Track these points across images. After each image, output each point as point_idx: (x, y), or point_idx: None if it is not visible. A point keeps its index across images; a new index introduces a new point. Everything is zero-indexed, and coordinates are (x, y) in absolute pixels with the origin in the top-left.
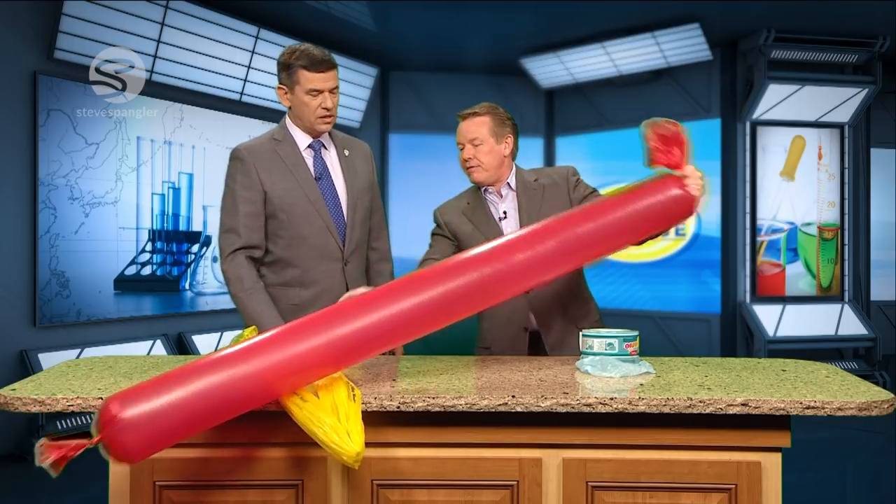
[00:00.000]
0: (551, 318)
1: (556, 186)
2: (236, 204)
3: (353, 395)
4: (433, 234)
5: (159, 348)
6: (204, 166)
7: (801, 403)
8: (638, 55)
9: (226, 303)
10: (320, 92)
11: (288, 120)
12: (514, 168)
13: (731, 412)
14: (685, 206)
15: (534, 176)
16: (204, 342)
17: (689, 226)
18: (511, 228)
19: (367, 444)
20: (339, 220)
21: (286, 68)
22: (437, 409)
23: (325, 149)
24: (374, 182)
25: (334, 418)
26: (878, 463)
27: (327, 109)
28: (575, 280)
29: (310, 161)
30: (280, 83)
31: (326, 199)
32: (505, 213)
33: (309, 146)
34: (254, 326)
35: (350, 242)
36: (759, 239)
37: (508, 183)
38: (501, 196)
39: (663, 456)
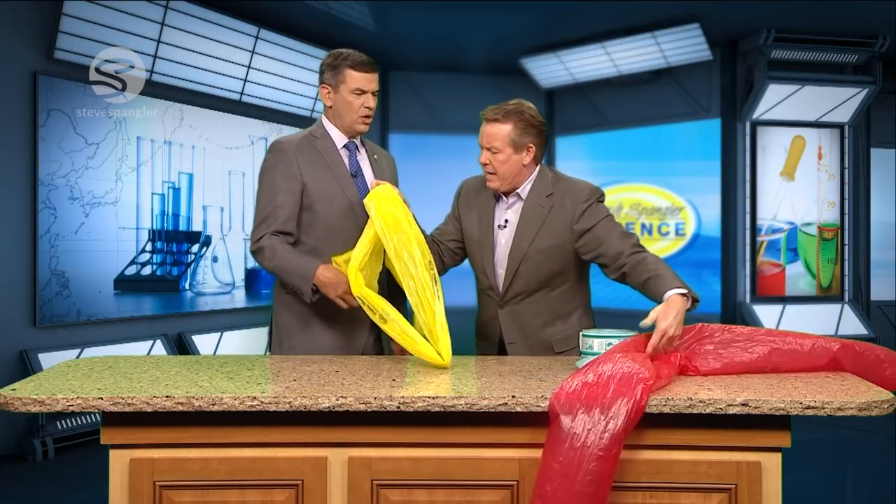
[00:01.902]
0: (519, 333)
1: (563, 210)
2: (276, 193)
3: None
4: (451, 210)
5: (159, 348)
6: (204, 166)
7: (801, 403)
8: (638, 55)
9: (226, 303)
10: (364, 92)
11: (325, 119)
12: (536, 172)
13: (731, 412)
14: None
15: (550, 190)
16: (204, 342)
17: (689, 226)
18: (505, 240)
19: (367, 444)
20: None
21: (332, 68)
22: (437, 409)
23: (359, 150)
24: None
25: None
26: (878, 463)
27: (369, 109)
28: (558, 301)
29: (346, 159)
30: (324, 82)
31: (361, 196)
32: (506, 222)
33: (345, 146)
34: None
35: None
36: (759, 239)
37: (519, 193)
38: (508, 204)
39: (663, 456)
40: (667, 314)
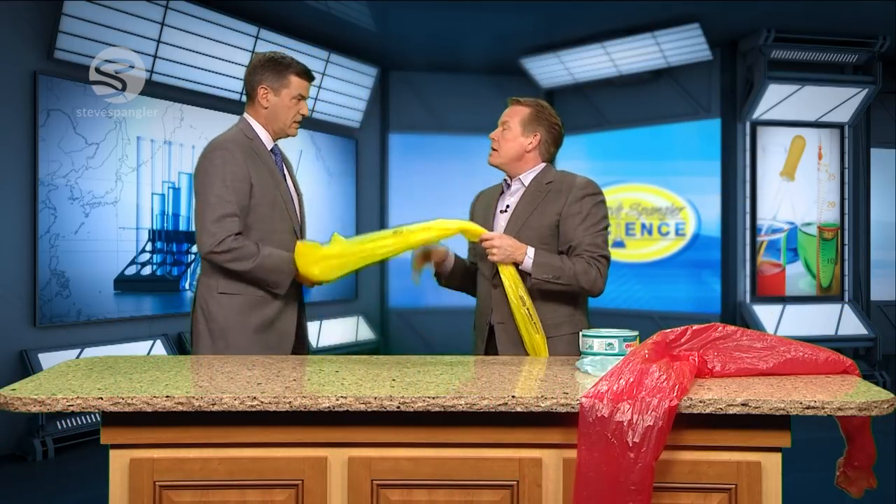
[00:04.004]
0: (509, 315)
1: (559, 194)
2: (230, 192)
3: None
4: None
5: (159, 348)
6: None
7: (801, 403)
8: (638, 55)
9: None
10: (303, 98)
11: (252, 121)
12: (542, 167)
13: (731, 412)
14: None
15: (552, 178)
16: None
17: (689, 226)
18: (503, 223)
19: (367, 444)
20: (296, 220)
21: (275, 71)
22: (437, 409)
23: (280, 154)
24: None
25: None
26: (879, 463)
27: (304, 115)
28: (559, 293)
29: (276, 163)
30: (263, 83)
31: (292, 201)
32: (507, 207)
33: (272, 150)
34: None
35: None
36: (759, 239)
37: (521, 179)
38: (511, 191)
39: (663, 456)
40: (507, 238)
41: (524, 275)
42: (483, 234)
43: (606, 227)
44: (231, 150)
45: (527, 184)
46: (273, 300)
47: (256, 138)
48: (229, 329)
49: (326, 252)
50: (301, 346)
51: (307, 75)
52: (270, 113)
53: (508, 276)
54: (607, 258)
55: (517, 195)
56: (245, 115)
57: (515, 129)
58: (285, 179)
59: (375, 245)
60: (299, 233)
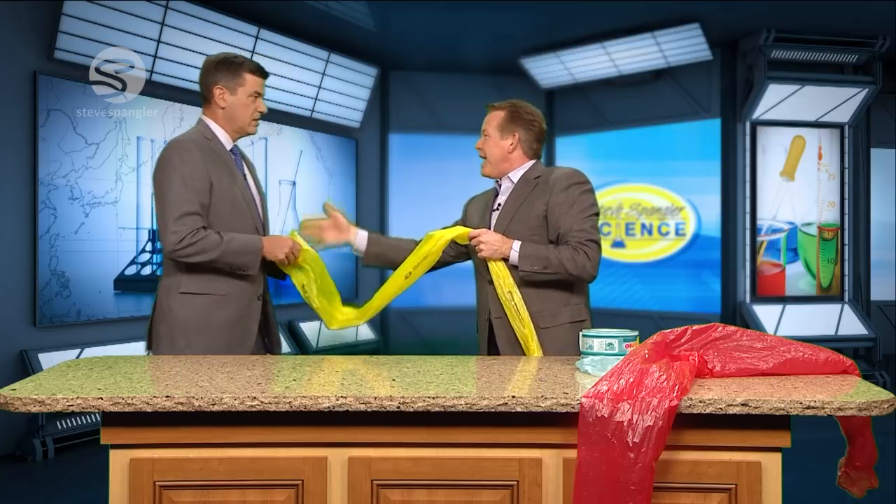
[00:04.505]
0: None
1: (546, 186)
2: (189, 191)
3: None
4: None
5: None
6: None
7: (801, 403)
8: (638, 55)
9: None
10: (259, 95)
11: (210, 122)
12: (530, 164)
13: (731, 412)
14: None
15: (539, 173)
16: None
17: (689, 226)
18: (495, 220)
19: (367, 444)
20: (258, 218)
21: (229, 71)
22: (437, 409)
23: (240, 155)
24: None
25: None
26: (879, 463)
27: (261, 112)
28: (553, 282)
29: (236, 163)
30: (218, 84)
31: (253, 201)
32: (499, 205)
33: (231, 150)
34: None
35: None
36: (759, 239)
37: (510, 177)
38: (503, 190)
39: (663, 456)
40: (493, 234)
41: (514, 268)
42: (470, 233)
43: (595, 214)
44: (190, 150)
45: (515, 181)
46: (235, 299)
47: (215, 139)
48: (190, 329)
49: (348, 317)
50: (270, 343)
51: (261, 72)
52: (228, 113)
53: (497, 271)
54: (597, 242)
55: (507, 192)
56: (202, 116)
57: (494, 134)
58: (245, 179)
59: (393, 292)
60: (261, 232)
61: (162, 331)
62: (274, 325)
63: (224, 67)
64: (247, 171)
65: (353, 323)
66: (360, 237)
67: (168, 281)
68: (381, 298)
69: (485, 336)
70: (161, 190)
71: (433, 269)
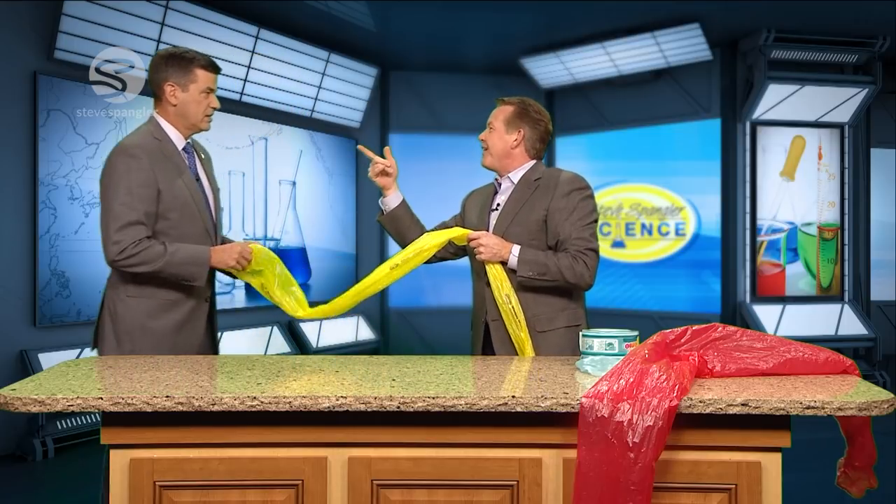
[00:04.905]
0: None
1: (547, 190)
2: (135, 199)
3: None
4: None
5: None
6: None
7: (801, 403)
8: (638, 55)
9: (226, 303)
10: (212, 91)
11: (161, 120)
12: (531, 165)
13: (730, 412)
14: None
15: (540, 175)
16: None
17: (689, 226)
18: (494, 220)
19: (367, 444)
20: (210, 221)
21: (179, 67)
22: (437, 409)
23: (195, 153)
24: None
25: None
26: (879, 463)
27: (214, 108)
28: (550, 287)
29: (187, 163)
30: (169, 80)
31: (204, 200)
32: (498, 205)
33: (184, 148)
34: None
35: (218, 242)
36: (759, 239)
37: (510, 176)
38: (502, 190)
39: (663, 456)
40: (492, 237)
41: (512, 272)
42: (469, 234)
43: (595, 221)
44: (137, 156)
45: (516, 181)
46: (183, 303)
47: (165, 138)
48: (135, 332)
49: (325, 308)
50: (211, 346)
51: (213, 67)
52: (180, 110)
53: (494, 274)
54: (595, 251)
55: (507, 193)
56: (153, 114)
57: (499, 127)
58: (198, 179)
59: (374, 283)
60: (213, 232)
61: (107, 332)
62: (215, 329)
63: (174, 63)
64: (200, 169)
65: (327, 314)
66: (397, 197)
67: (115, 283)
68: (361, 288)
69: (479, 335)
70: (105, 197)
71: (429, 262)
